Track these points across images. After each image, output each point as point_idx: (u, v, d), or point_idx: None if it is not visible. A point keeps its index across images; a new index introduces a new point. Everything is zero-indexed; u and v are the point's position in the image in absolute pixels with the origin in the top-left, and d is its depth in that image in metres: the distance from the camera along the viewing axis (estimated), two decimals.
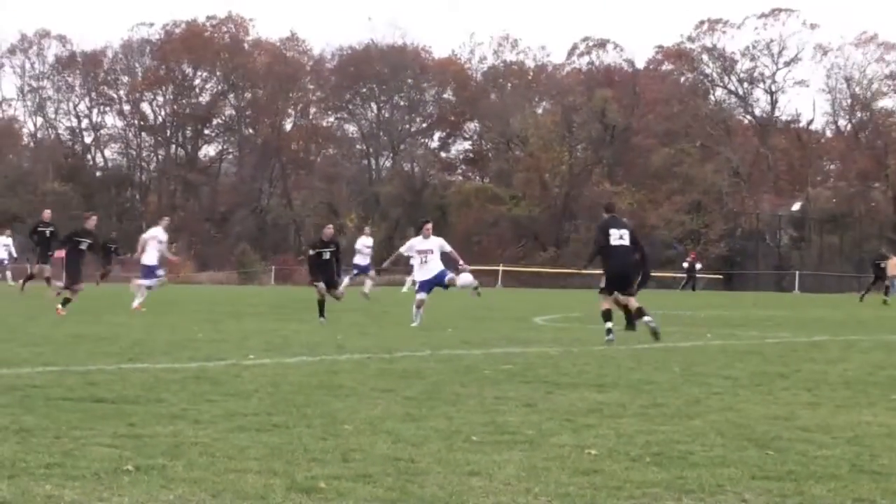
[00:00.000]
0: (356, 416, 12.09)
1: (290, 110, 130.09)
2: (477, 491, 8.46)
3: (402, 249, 31.36)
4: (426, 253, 30.06)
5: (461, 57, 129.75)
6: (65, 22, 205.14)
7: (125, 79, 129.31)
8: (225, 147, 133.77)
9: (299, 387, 14.73)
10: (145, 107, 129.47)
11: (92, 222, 33.89)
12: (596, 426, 11.79)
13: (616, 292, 26.26)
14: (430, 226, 30.95)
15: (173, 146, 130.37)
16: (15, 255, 66.40)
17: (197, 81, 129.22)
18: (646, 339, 25.12)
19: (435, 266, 30.13)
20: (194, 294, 40.86)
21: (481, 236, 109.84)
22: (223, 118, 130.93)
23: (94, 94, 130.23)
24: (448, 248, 30.63)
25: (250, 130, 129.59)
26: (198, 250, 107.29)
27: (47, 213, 46.83)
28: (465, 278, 29.86)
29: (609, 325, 24.32)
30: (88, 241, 32.89)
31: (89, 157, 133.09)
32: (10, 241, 65.55)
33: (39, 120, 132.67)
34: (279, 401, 13.26)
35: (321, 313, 30.80)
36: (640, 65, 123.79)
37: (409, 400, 13.62)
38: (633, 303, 24.97)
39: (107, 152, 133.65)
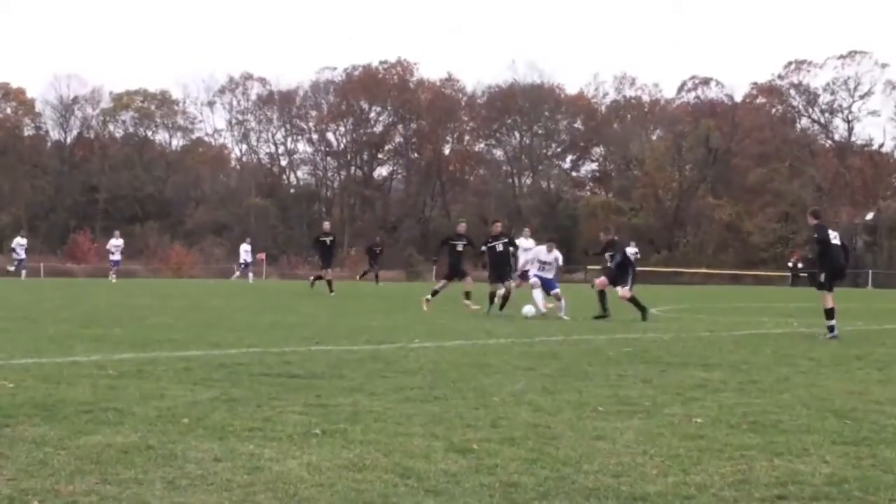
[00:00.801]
0: (502, 390, 12.09)
1: (448, 138, 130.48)
2: (602, 452, 8.43)
3: (529, 256, 31.20)
4: (546, 264, 30.16)
5: (588, 93, 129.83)
6: (264, 66, 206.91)
7: (313, 113, 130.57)
8: (395, 168, 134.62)
9: (455, 366, 14.74)
10: (330, 136, 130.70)
11: (462, 227, 33.60)
12: (701, 399, 11.69)
13: (616, 287, 27.98)
14: (553, 245, 31.10)
15: (353, 168, 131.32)
16: (250, 259, 67.42)
17: (372, 115, 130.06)
18: (744, 327, 24.88)
19: (551, 275, 30.22)
20: (370, 289, 40.79)
21: None
22: (393, 144, 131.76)
23: (288, 126, 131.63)
24: (560, 261, 30.80)
25: (416, 154, 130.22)
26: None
27: (327, 225, 45.01)
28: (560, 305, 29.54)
29: (832, 322, 22.38)
30: (463, 242, 32.31)
31: (284, 177, 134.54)
32: (249, 247, 66.64)
33: (244, 147, 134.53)
34: (439, 377, 13.29)
35: (499, 307, 30.07)
36: (738, 98, 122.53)
37: (546, 377, 13.59)
38: (829, 302, 22.64)
39: (298, 173, 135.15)
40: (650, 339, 21.10)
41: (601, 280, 29.33)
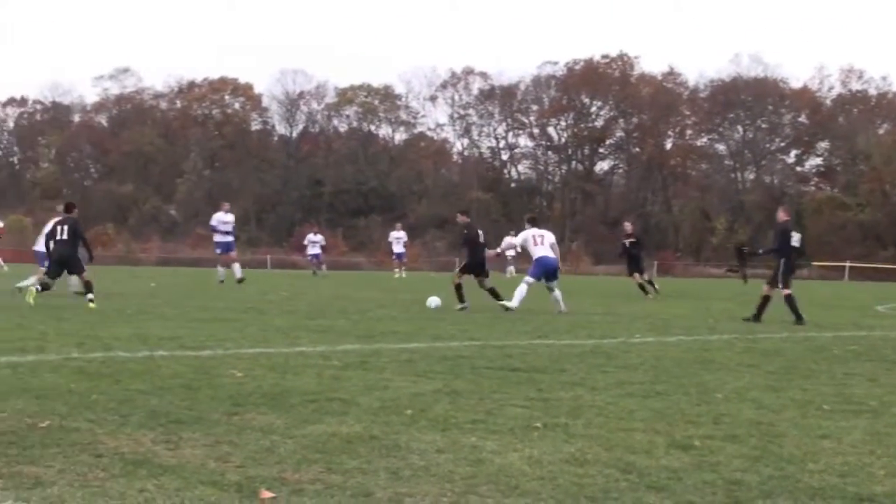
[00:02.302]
0: (725, 387, 11.93)
1: (669, 132, 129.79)
2: (828, 451, 8.25)
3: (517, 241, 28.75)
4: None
5: (812, 86, 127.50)
6: (486, 61, 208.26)
7: (535, 107, 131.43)
8: (616, 163, 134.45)
9: (677, 361, 14.61)
10: (551, 130, 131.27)
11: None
12: None
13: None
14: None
15: (573, 162, 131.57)
16: (513, 253, 66.47)
17: (593, 109, 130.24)
18: None
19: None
20: (591, 284, 40.71)
21: (831, 238, 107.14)
22: (614, 139, 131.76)
23: (509, 120, 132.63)
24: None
25: (637, 149, 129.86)
26: (594, 248, 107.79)
27: (628, 226, 43.47)
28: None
29: None
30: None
31: (505, 171, 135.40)
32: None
33: (466, 141, 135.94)
34: (661, 372, 13.18)
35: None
36: None
37: (770, 374, 13.37)
38: None
39: (520, 167, 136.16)
40: (877, 336, 20.62)
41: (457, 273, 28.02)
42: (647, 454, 7.94)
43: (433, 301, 27.08)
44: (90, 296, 23.50)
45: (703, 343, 17.99)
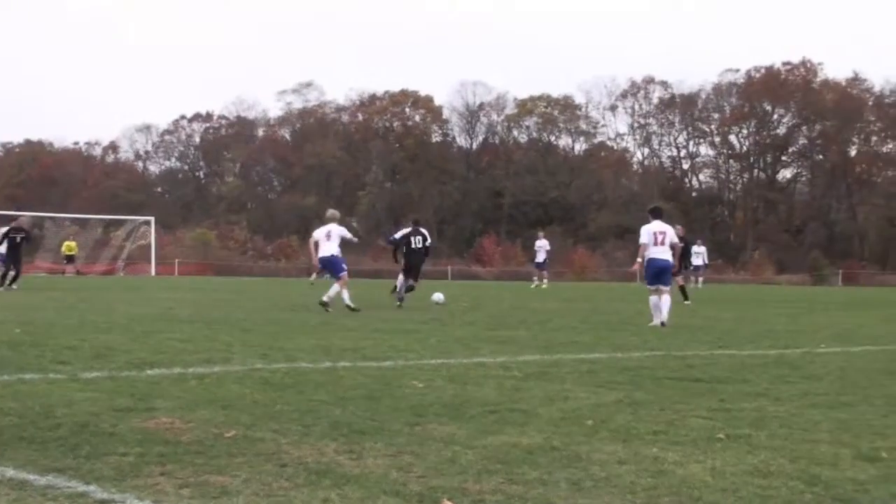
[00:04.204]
0: None
1: (854, 139, 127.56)
2: None
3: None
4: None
5: None
6: (666, 70, 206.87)
7: (716, 115, 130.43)
8: (799, 170, 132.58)
9: (864, 372, 14.32)
10: (732, 138, 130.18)
11: None
12: None
13: None
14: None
15: (756, 170, 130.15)
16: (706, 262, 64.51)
17: (775, 116, 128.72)
18: None
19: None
20: (773, 293, 40.02)
21: None
22: (797, 146, 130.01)
23: (690, 129, 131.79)
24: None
25: (820, 156, 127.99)
26: (776, 257, 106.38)
27: (679, 229, 41.89)
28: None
29: None
30: None
31: (686, 180, 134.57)
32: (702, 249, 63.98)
33: (646, 150, 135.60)
34: (846, 383, 12.92)
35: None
36: None
37: None
38: None
39: (701, 176, 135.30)
40: None
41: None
42: (832, 466, 7.80)
43: (437, 296, 29.76)
44: None
45: (890, 354, 17.62)
